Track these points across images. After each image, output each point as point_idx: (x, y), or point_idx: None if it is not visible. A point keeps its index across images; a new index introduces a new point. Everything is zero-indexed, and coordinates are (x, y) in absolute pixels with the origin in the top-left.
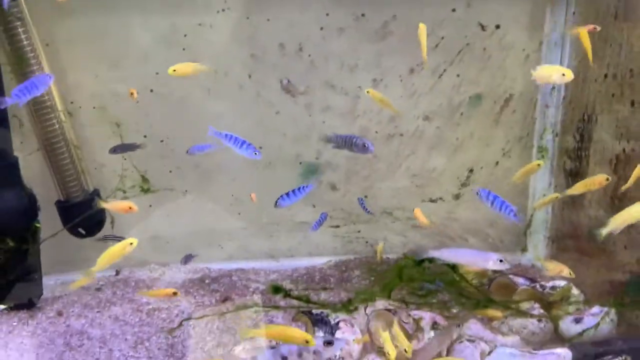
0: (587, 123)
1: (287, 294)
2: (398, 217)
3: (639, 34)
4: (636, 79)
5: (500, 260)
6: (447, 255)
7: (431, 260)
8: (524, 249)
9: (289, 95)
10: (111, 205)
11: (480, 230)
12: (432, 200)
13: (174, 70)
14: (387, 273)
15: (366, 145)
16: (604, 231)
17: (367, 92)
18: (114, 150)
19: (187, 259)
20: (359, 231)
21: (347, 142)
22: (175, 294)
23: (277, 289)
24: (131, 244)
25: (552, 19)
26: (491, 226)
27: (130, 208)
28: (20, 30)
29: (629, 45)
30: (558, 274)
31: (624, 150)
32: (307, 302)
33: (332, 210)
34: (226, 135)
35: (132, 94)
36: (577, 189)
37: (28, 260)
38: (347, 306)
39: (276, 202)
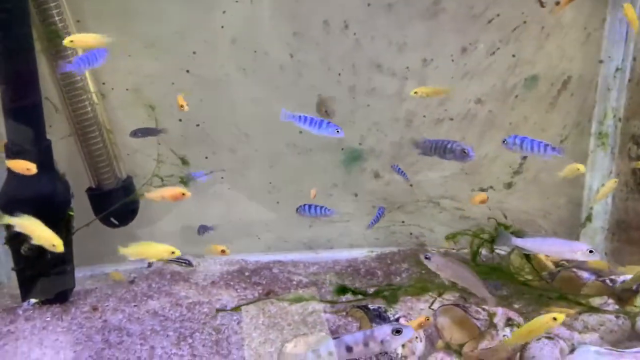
0: None
1: (355, 292)
2: (445, 207)
3: None
4: None
5: (591, 251)
6: (532, 244)
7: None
8: None
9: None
10: (158, 194)
11: (532, 222)
12: (482, 189)
13: (71, 42)
14: None
15: (466, 151)
16: None
17: (415, 92)
18: (135, 133)
19: (203, 229)
20: (402, 222)
21: (439, 148)
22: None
23: (343, 289)
24: (173, 252)
25: None
26: (544, 217)
27: (183, 195)
28: (52, 4)
29: None
30: None
31: None
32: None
33: (375, 200)
34: (300, 117)
35: (182, 106)
36: None
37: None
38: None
39: (297, 208)
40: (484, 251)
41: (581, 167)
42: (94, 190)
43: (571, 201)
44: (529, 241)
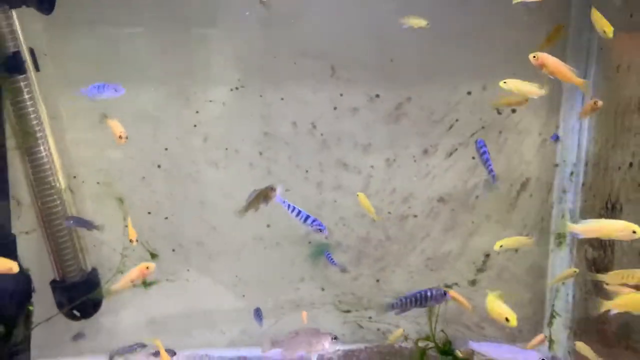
0: (610, 211)
1: None
2: None
3: None
4: None
5: None
6: (487, 349)
7: (455, 357)
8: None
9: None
10: (125, 281)
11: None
12: (447, 286)
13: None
14: None
15: (444, 294)
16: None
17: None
18: (68, 220)
19: (78, 336)
20: (370, 317)
21: (418, 300)
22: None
23: None
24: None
25: (568, 104)
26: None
27: (147, 268)
28: (29, 102)
29: None
30: None
31: None
32: None
33: (342, 294)
34: (289, 206)
35: (120, 137)
36: (614, 279)
37: (17, 347)
38: None
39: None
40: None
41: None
42: (58, 282)
43: (534, 298)
44: (484, 345)
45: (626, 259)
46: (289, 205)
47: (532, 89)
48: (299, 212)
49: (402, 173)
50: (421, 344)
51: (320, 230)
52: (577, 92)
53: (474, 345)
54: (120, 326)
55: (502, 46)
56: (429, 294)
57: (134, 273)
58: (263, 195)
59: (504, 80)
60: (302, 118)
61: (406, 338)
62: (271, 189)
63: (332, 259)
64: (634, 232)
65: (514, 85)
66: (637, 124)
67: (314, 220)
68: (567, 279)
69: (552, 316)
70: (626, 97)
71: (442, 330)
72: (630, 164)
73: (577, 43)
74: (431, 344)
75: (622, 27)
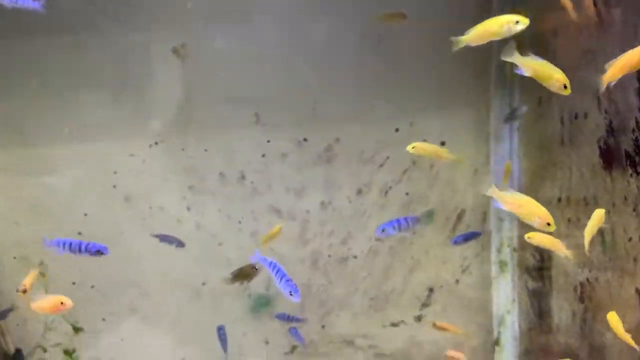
0: None
1: None
2: (360, 345)
3: (586, 161)
4: (591, 207)
5: None
6: None
7: None
8: None
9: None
10: (38, 306)
11: (444, 354)
12: (393, 324)
13: None
14: None
15: None
16: None
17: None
18: None
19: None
20: None
21: None
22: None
23: None
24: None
25: (496, 134)
26: (456, 347)
27: (62, 304)
28: None
29: (579, 171)
30: None
31: (587, 279)
32: None
33: (287, 345)
34: (271, 263)
35: (24, 291)
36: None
37: None
38: None
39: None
40: None
41: None
42: None
43: (480, 329)
44: None
45: (563, 295)
46: (269, 263)
47: (441, 153)
48: (278, 270)
49: (338, 214)
50: None
51: (291, 294)
52: (505, 128)
53: None
54: None
55: (426, 82)
56: None
57: (47, 302)
58: (245, 274)
59: (412, 145)
60: (229, 168)
61: None
62: (253, 267)
63: (297, 334)
64: (549, 224)
65: (421, 148)
66: (562, 158)
67: (288, 281)
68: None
69: (496, 343)
70: (549, 130)
71: None
72: (559, 199)
73: (501, 75)
74: None
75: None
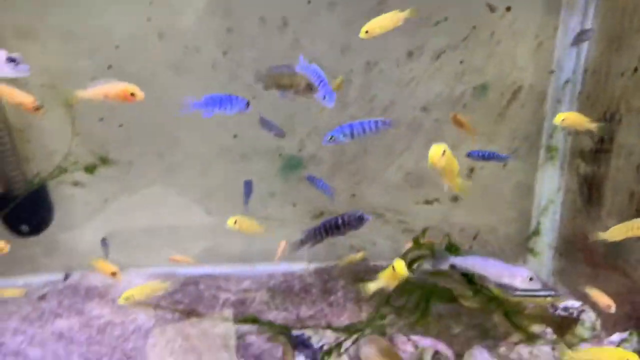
0: (609, 122)
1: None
2: (389, 219)
3: None
4: None
5: (531, 278)
6: (472, 263)
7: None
8: (525, 261)
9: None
10: (95, 92)
11: (478, 237)
12: (427, 202)
13: None
14: None
15: (362, 218)
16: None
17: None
18: None
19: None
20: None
21: (330, 230)
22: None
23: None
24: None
25: (569, 2)
26: (491, 232)
27: (132, 95)
28: None
29: None
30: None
31: None
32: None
33: (314, 209)
34: (314, 70)
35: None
36: (616, 234)
37: None
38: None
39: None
40: None
41: None
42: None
43: (520, 216)
44: (469, 260)
45: (622, 176)
46: (313, 70)
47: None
48: (319, 76)
49: (384, 78)
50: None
51: (325, 98)
52: None
53: (457, 261)
54: (78, 243)
55: None
56: (340, 221)
57: (114, 88)
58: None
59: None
60: (271, 13)
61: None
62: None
63: (325, 186)
64: None
65: None
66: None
67: (325, 85)
68: None
69: (534, 233)
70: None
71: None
72: (636, 69)
73: None
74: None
75: None
